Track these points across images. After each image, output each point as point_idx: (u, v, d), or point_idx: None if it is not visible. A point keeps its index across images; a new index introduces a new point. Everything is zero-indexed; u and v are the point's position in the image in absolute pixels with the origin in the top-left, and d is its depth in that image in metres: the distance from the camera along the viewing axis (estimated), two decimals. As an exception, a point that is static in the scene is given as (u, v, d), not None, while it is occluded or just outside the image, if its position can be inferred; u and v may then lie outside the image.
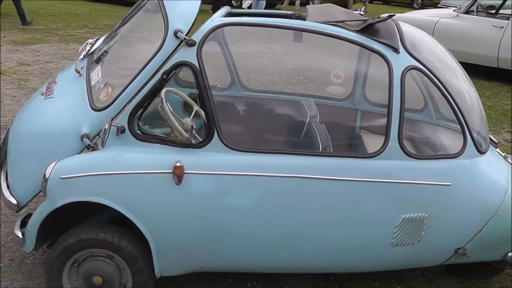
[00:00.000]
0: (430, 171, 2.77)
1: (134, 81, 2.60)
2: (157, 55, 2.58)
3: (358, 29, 2.77)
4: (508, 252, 3.05)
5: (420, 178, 2.75)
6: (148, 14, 3.20)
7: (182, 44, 2.58)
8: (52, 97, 3.00)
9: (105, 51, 3.18)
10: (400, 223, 2.76)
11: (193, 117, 2.84)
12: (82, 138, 2.63)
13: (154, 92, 2.59)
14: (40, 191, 2.73)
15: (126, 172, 2.54)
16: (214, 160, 2.57)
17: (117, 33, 3.32)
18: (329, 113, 3.62)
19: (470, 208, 2.87)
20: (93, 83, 2.90)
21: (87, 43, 3.54)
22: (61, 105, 2.94)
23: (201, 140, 2.59)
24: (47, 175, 2.53)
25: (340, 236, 2.76)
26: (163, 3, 2.75)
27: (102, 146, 2.47)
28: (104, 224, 2.72)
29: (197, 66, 2.56)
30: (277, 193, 2.62)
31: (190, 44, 2.55)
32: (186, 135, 2.60)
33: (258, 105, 3.67)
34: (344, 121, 3.73)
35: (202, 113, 2.62)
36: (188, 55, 2.57)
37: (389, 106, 2.68)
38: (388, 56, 2.71)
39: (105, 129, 2.47)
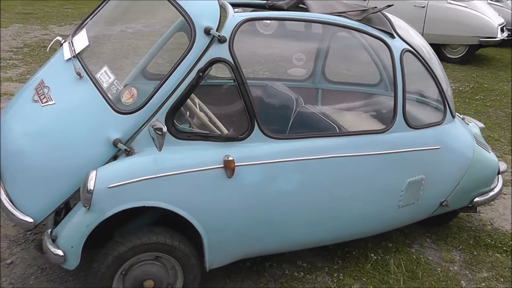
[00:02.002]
0: (426, 138, 3.20)
1: (168, 81, 2.56)
2: (189, 53, 2.57)
3: (360, 18, 3.04)
4: (474, 198, 3.64)
5: (420, 145, 3.16)
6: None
7: (213, 41, 2.60)
8: (53, 103, 2.78)
9: (101, 51, 3.02)
10: (406, 187, 3.15)
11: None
12: (115, 144, 2.53)
13: (191, 91, 2.59)
14: (59, 205, 2.59)
15: (177, 173, 2.53)
16: (258, 151, 2.68)
17: (101, 28, 3.16)
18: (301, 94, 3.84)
19: (453, 165, 3.38)
20: (105, 85, 2.76)
21: (57, 41, 3.32)
22: (70, 111, 2.75)
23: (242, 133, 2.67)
24: (90, 187, 2.40)
25: (362, 206, 3.06)
26: (178, 2, 2.72)
27: (160, 149, 2.41)
28: (149, 227, 2.66)
29: (232, 61, 2.61)
30: (315, 174, 2.82)
31: (222, 40, 2.59)
32: (226, 130, 2.66)
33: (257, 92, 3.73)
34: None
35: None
36: (221, 51, 2.61)
37: (394, 86, 3.02)
38: (388, 41, 3.03)
39: (162, 132, 2.39)
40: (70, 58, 3.01)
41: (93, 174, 2.43)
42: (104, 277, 2.55)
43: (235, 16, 2.71)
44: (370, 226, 3.24)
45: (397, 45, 3.08)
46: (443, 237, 3.89)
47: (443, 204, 3.45)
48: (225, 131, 2.78)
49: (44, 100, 2.82)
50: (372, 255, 3.51)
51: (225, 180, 2.60)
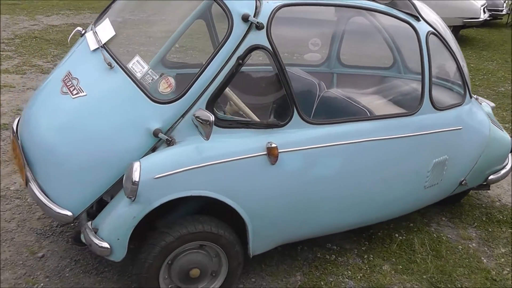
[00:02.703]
0: (449, 119, 3.28)
1: (207, 69, 2.56)
2: (228, 41, 2.56)
3: (387, 2, 3.08)
4: (489, 176, 3.75)
5: (444, 126, 3.24)
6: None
7: (251, 28, 2.60)
8: (84, 95, 2.75)
9: (128, 40, 2.99)
10: (432, 167, 3.24)
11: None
12: (156, 134, 2.52)
13: (230, 78, 2.59)
14: (98, 198, 2.59)
15: (222, 161, 2.54)
16: (297, 137, 2.71)
17: (124, 17, 3.13)
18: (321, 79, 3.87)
19: (472, 145, 3.48)
20: (139, 75, 2.74)
21: (78, 31, 3.27)
22: (104, 103, 2.72)
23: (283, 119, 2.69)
24: (135, 178, 2.39)
25: (392, 188, 3.14)
26: None
27: (207, 139, 2.41)
28: (193, 216, 2.67)
29: (271, 48, 2.62)
30: (351, 159, 2.88)
31: (260, 27, 2.59)
32: (256, 118, 2.67)
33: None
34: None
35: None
36: (259, 38, 2.61)
37: (422, 68, 3.08)
38: (414, 24, 3.08)
39: (209, 121, 2.39)
40: (96, 49, 2.97)
41: (137, 166, 2.42)
42: (151, 268, 2.56)
43: (269, 3, 2.70)
44: (399, 208, 3.32)
45: (423, 28, 3.13)
46: (457, 215, 4.01)
47: (462, 183, 3.56)
48: (256, 118, 2.78)
49: (75, 92, 2.78)
50: (397, 235, 3.60)
51: (268, 167, 2.63)
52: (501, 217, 4.01)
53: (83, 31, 3.27)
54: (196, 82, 2.55)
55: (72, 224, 3.48)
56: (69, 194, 2.63)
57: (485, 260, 3.47)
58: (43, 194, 2.67)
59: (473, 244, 3.65)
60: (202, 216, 2.64)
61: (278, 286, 3.04)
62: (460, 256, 3.48)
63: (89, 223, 2.61)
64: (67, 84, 2.85)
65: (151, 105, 2.58)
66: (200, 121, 2.40)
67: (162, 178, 2.43)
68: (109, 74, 2.79)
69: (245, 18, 2.57)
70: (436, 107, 3.18)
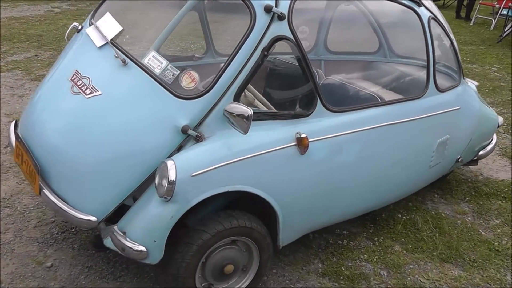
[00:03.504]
0: (450, 100, 3.40)
1: (233, 62, 2.50)
2: (252, 32, 2.51)
3: None
4: (479, 151, 3.94)
5: (446, 107, 3.36)
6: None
7: (274, 18, 2.57)
8: (100, 94, 2.61)
9: (137, 35, 2.87)
10: (436, 147, 3.35)
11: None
12: (185, 131, 2.45)
13: (256, 70, 2.55)
14: (123, 200, 2.49)
15: (254, 154, 2.50)
16: (322, 125, 2.71)
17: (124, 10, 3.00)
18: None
19: (468, 123, 3.63)
20: (157, 70, 2.64)
21: (74, 27, 3.11)
22: (123, 101, 2.59)
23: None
24: (172, 177, 2.31)
25: (403, 170, 3.22)
26: None
27: (246, 133, 2.36)
28: (226, 212, 2.62)
29: (293, 38, 2.60)
30: (369, 144, 2.92)
31: (282, 17, 2.56)
32: (273, 108, 2.66)
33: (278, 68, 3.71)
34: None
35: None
36: (281, 28, 2.58)
37: (427, 52, 3.16)
38: (417, 9, 3.15)
39: (248, 115, 2.33)
40: (103, 45, 2.82)
41: (171, 164, 2.34)
42: (189, 267, 2.49)
43: None
44: (408, 188, 3.41)
45: (425, 13, 3.21)
46: (448, 192, 4.17)
47: (459, 160, 3.71)
48: (273, 108, 2.76)
49: (88, 92, 2.64)
50: (399, 216, 3.70)
51: (297, 157, 2.62)
52: (488, 190, 4.22)
53: (79, 27, 3.11)
54: (223, 75, 2.49)
55: (73, 230, 3.34)
56: (92, 198, 2.52)
57: (483, 232, 3.64)
58: (61, 200, 2.53)
59: (469, 218, 3.82)
60: (235, 211, 2.60)
61: (301, 275, 3.05)
62: (461, 230, 3.63)
63: (115, 226, 2.50)
64: (78, 84, 2.69)
65: (176, 101, 2.49)
66: (236, 115, 2.35)
67: (199, 176, 2.36)
68: (124, 71, 2.67)
69: (268, 9, 2.52)
70: (439, 89, 3.28)
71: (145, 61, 2.70)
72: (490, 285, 3.10)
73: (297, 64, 2.66)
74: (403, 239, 3.46)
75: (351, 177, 2.90)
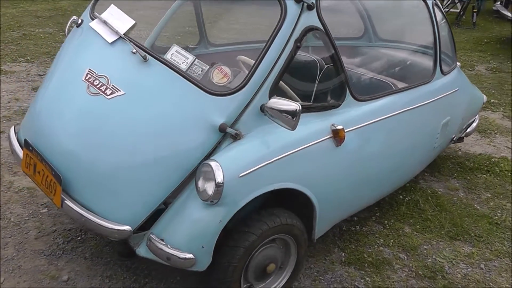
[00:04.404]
0: (451, 83, 3.50)
1: (266, 55, 2.41)
2: (284, 24, 2.43)
3: None
4: (466, 129, 4.10)
5: (449, 89, 3.46)
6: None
7: (303, 9, 2.50)
8: (122, 93, 2.44)
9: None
10: (440, 129, 3.44)
11: None
12: (223, 129, 2.34)
13: (290, 63, 2.48)
14: (158, 205, 2.37)
15: (295, 150, 2.45)
16: (353, 115, 2.70)
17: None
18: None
19: (463, 103, 3.76)
20: (183, 66, 2.50)
21: (73, 21, 2.89)
22: (151, 100, 2.44)
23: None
24: (219, 179, 2.22)
25: (417, 153, 3.30)
26: None
27: (294, 129, 2.29)
28: (267, 210, 2.56)
29: (323, 28, 2.55)
30: (393, 130, 2.95)
31: (312, 7, 2.50)
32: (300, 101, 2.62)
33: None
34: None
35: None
36: (311, 19, 2.52)
37: (434, 36, 3.22)
38: (423, -5, 3.20)
39: (297, 110, 2.25)
40: (116, 40, 2.63)
41: (217, 165, 2.24)
42: (236, 270, 2.41)
43: None
44: (417, 170, 3.51)
45: (428, 1, 3.26)
46: (435, 169, 4.31)
47: (454, 139, 3.84)
48: (299, 101, 2.71)
49: (108, 92, 2.46)
50: (400, 197, 3.79)
51: (333, 149, 2.59)
52: (471, 164, 4.41)
53: (79, 21, 2.88)
54: (258, 69, 2.39)
55: (79, 238, 3.15)
56: (123, 207, 2.37)
57: (478, 207, 3.81)
58: (89, 211, 2.37)
59: (461, 194, 3.98)
60: (276, 209, 2.54)
61: (326, 265, 3.05)
62: (459, 207, 3.77)
63: (151, 235, 2.37)
64: (95, 84, 2.50)
65: (209, 98, 2.37)
66: (282, 112, 2.27)
67: (246, 176, 2.28)
68: (145, 68, 2.50)
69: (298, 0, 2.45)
70: (443, 72, 3.36)
71: (168, 56, 2.56)
72: (501, 258, 3.25)
73: (327, 55, 2.61)
74: (410, 220, 3.54)
75: (377, 164, 2.93)
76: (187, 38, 3.79)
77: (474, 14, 9.80)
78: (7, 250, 3.00)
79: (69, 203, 2.38)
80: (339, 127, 2.56)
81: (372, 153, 2.84)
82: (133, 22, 2.69)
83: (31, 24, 7.26)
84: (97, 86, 2.48)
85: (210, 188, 2.24)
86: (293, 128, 2.27)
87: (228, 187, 2.22)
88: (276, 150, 2.39)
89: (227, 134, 2.35)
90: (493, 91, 6.28)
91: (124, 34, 2.62)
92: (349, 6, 3.86)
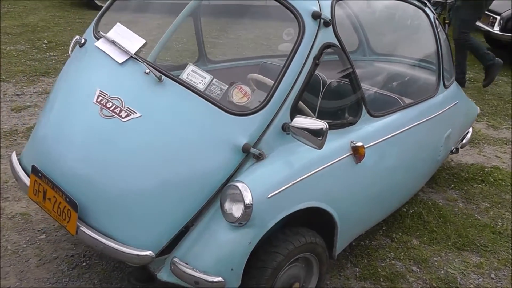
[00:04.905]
0: (451, 96, 3.55)
1: (287, 73, 2.39)
2: (303, 42, 2.41)
3: None
4: (462, 140, 4.16)
5: (450, 103, 3.50)
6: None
7: (320, 25, 2.48)
8: (139, 116, 2.37)
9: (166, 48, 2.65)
10: (444, 141, 3.48)
11: None
12: (247, 149, 2.29)
13: (309, 80, 2.46)
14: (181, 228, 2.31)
15: (319, 169, 2.42)
16: (369, 131, 2.70)
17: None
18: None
19: (462, 115, 3.83)
20: (201, 86, 2.45)
21: (77, 41, 2.80)
22: (170, 122, 2.37)
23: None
24: (248, 200, 2.17)
25: (423, 166, 3.32)
26: None
27: (321, 148, 2.25)
28: (291, 230, 2.51)
29: (339, 45, 2.54)
30: (406, 144, 2.97)
31: (328, 24, 2.49)
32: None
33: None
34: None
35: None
36: (328, 35, 2.51)
37: (437, 50, 3.26)
38: (425, 10, 3.23)
39: (324, 129, 2.22)
40: (126, 60, 2.56)
41: (244, 186, 2.19)
42: (263, 292, 2.36)
43: None
44: (422, 183, 3.52)
45: (430, 13, 3.30)
46: (433, 181, 4.33)
47: (453, 151, 3.88)
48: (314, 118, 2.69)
49: (124, 114, 2.38)
50: (404, 210, 3.79)
51: (353, 166, 2.58)
52: (466, 175, 4.46)
53: (82, 40, 2.79)
54: (279, 88, 2.36)
55: (84, 264, 3.03)
56: (145, 232, 2.30)
57: (479, 217, 3.85)
58: (107, 237, 2.28)
59: (461, 204, 4.02)
60: (300, 228, 2.50)
61: (342, 282, 3.02)
62: (461, 217, 3.81)
63: (175, 258, 2.29)
64: (108, 106, 2.42)
65: (230, 118, 2.32)
66: (308, 131, 2.24)
67: (274, 197, 2.24)
68: (160, 88, 2.44)
69: (316, 16, 2.43)
70: (446, 85, 3.40)
71: (184, 76, 2.50)
72: (509, 267, 3.29)
73: (344, 71, 2.60)
74: (417, 233, 3.55)
75: (392, 178, 2.93)
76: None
77: (446, 25, 10.01)
78: (9, 280, 2.86)
79: (85, 229, 2.30)
80: (359, 144, 2.54)
81: (387, 168, 2.84)
82: (143, 41, 2.63)
83: (1, 41, 7.05)
84: (111, 109, 2.40)
85: (237, 210, 2.19)
86: (320, 147, 2.24)
87: (257, 209, 2.18)
88: (300, 170, 2.36)
89: (249, 154, 2.31)
90: (474, 101, 6.41)
91: (135, 54, 2.55)
92: (343, 19, 3.87)
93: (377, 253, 3.30)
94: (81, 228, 2.30)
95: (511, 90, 7.02)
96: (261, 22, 3.76)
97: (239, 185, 2.19)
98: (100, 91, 2.48)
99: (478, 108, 4.40)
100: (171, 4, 3.32)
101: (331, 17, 2.51)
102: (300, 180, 2.33)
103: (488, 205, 4.03)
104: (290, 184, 2.29)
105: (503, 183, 4.36)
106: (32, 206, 3.51)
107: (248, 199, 2.16)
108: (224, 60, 3.79)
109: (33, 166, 2.48)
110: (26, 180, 2.56)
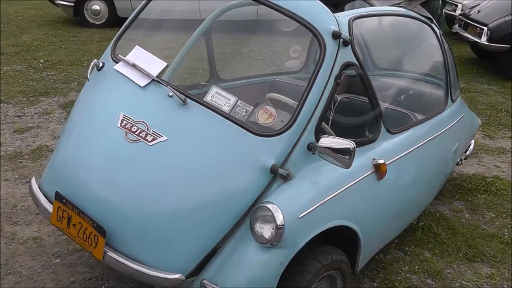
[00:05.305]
0: (458, 109, 3.63)
1: (310, 93, 2.43)
2: (324, 62, 2.46)
3: (411, 7, 3.23)
4: (466, 151, 4.24)
5: (457, 116, 3.57)
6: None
7: (340, 44, 2.53)
8: (165, 139, 2.38)
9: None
10: (452, 154, 3.54)
11: None
12: (275, 170, 2.32)
13: (331, 99, 2.50)
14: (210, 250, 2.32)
15: (345, 188, 2.46)
16: (388, 148, 2.75)
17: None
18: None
19: (467, 128, 3.91)
20: (226, 108, 2.48)
21: (95, 65, 2.81)
22: (197, 145, 2.39)
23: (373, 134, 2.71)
24: (280, 221, 2.20)
25: (436, 179, 3.37)
26: (292, 11, 2.53)
27: (349, 167, 2.29)
28: (319, 248, 2.53)
29: (358, 63, 2.60)
30: (421, 159, 3.03)
31: (347, 43, 2.54)
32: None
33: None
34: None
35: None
36: (347, 54, 2.56)
37: (445, 65, 3.32)
38: (432, 26, 3.31)
39: (352, 148, 2.26)
40: (148, 83, 2.58)
41: (275, 208, 2.22)
42: (293, 313, 2.38)
43: (340, 16, 2.65)
44: (434, 195, 3.57)
45: (436, 29, 3.38)
46: (438, 192, 4.41)
47: (459, 163, 3.96)
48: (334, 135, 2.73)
49: (150, 138, 2.39)
50: (414, 223, 3.84)
51: (375, 183, 2.63)
52: (469, 185, 4.54)
53: (100, 64, 2.80)
54: (303, 109, 2.40)
55: (103, 287, 3.01)
56: (174, 255, 2.31)
57: (486, 227, 3.92)
58: (135, 262, 2.28)
59: (467, 215, 4.09)
60: (326, 246, 2.53)
61: (360, 297, 3.05)
62: (468, 228, 3.87)
63: (205, 280, 2.30)
64: (133, 130, 2.43)
65: (257, 139, 2.36)
66: (336, 151, 2.27)
67: (304, 217, 2.27)
68: (185, 111, 2.46)
69: (336, 36, 2.48)
70: (453, 99, 3.48)
71: (208, 98, 2.53)
72: (520, 277, 3.36)
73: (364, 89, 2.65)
74: (428, 245, 3.60)
75: (410, 193, 2.99)
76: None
77: None
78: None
79: (113, 255, 2.30)
80: (381, 161, 2.59)
81: (406, 184, 2.90)
82: (164, 63, 2.65)
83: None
84: (136, 133, 2.41)
85: (268, 231, 2.21)
86: (348, 166, 2.28)
87: (288, 229, 2.20)
88: (327, 189, 2.40)
89: (277, 175, 2.33)
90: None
91: (156, 77, 2.57)
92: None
93: (392, 267, 3.33)
94: (108, 253, 2.30)
95: (502, 99, 7.17)
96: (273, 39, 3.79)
97: (270, 206, 2.22)
98: (124, 115, 2.49)
99: (479, 120, 4.49)
100: (184, 21, 3.36)
101: (350, 36, 2.56)
102: (328, 199, 2.37)
103: (493, 215, 4.11)
104: (319, 204, 2.32)
105: (505, 193, 4.44)
106: (44, 230, 3.49)
107: (279, 220, 2.19)
108: (235, 78, 3.81)
109: (56, 193, 2.47)
110: (48, 206, 2.55)
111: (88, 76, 2.77)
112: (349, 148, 2.24)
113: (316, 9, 2.55)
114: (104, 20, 10.09)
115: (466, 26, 8.63)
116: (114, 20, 9.96)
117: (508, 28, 7.77)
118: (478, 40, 8.05)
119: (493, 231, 3.86)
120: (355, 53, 2.57)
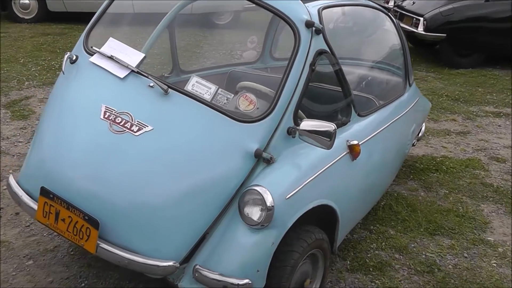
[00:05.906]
0: (413, 93, 3.85)
1: (288, 80, 2.53)
2: (300, 50, 2.56)
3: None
4: (418, 134, 4.50)
5: (414, 99, 3.80)
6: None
7: (313, 33, 2.65)
8: (151, 129, 2.41)
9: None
10: (410, 136, 3.77)
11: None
12: (259, 154, 2.41)
13: (307, 85, 2.61)
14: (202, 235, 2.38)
15: (324, 169, 2.59)
16: (359, 130, 2.91)
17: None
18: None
19: (421, 110, 4.15)
20: (207, 97, 2.54)
21: (69, 58, 2.78)
22: (182, 133, 2.43)
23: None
24: (270, 202, 2.29)
25: (398, 158, 3.57)
26: (267, 3, 2.62)
27: (330, 148, 2.41)
28: (301, 228, 2.63)
29: (330, 51, 2.72)
30: (387, 140, 3.21)
31: (319, 31, 2.66)
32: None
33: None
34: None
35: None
36: (320, 42, 2.68)
37: (403, 50, 3.52)
38: (389, 14, 3.50)
39: (332, 130, 2.38)
40: (128, 75, 2.59)
41: (264, 190, 2.31)
42: (285, 291, 2.48)
43: (309, 6, 2.76)
44: (395, 175, 3.77)
45: (393, 18, 3.57)
46: (393, 174, 4.66)
47: (414, 144, 4.19)
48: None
49: (135, 128, 2.41)
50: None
51: (350, 163, 2.77)
52: (421, 166, 4.81)
53: (74, 57, 2.77)
54: (282, 95, 2.50)
55: (83, 285, 2.98)
56: (166, 243, 2.35)
57: (441, 203, 4.18)
58: (129, 251, 2.31)
59: (422, 193, 4.34)
60: (308, 226, 2.64)
61: (335, 275, 3.19)
62: (426, 205, 4.11)
63: (197, 266, 2.35)
64: (117, 121, 2.43)
65: (240, 126, 2.43)
66: (317, 133, 2.39)
67: (291, 197, 2.37)
68: (167, 101, 2.50)
69: (309, 25, 2.59)
70: (410, 83, 3.69)
71: (189, 87, 2.57)
72: (477, 245, 3.62)
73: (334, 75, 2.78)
74: (391, 223, 3.80)
75: (378, 172, 3.16)
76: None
77: None
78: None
79: (106, 246, 2.31)
80: (354, 142, 2.73)
81: (375, 163, 3.06)
82: (142, 54, 2.66)
83: None
84: (121, 124, 2.42)
85: (257, 213, 2.29)
86: (330, 147, 2.40)
87: (278, 210, 2.29)
88: (309, 170, 2.51)
89: (260, 159, 2.42)
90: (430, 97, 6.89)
91: (136, 67, 2.58)
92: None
93: (360, 245, 3.50)
94: (101, 245, 2.30)
95: (441, 85, 7.58)
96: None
97: (258, 188, 2.30)
98: (107, 107, 2.49)
99: (430, 103, 4.77)
100: (150, 15, 3.37)
101: (322, 26, 2.68)
102: (311, 180, 2.48)
103: (447, 191, 4.38)
104: (303, 185, 2.43)
105: (455, 171, 4.75)
106: (9, 233, 3.40)
107: (269, 201, 2.27)
108: (195, 69, 3.85)
109: (42, 188, 2.44)
110: (31, 203, 2.51)
111: (62, 69, 2.73)
112: (330, 130, 2.36)
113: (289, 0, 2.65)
114: (34, 15, 9.69)
115: (401, 17, 9.04)
116: (45, 15, 9.56)
117: (443, 18, 8.20)
118: (415, 30, 8.45)
119: (449, 206, 4.12)
120: (326, 41, 2.69)
